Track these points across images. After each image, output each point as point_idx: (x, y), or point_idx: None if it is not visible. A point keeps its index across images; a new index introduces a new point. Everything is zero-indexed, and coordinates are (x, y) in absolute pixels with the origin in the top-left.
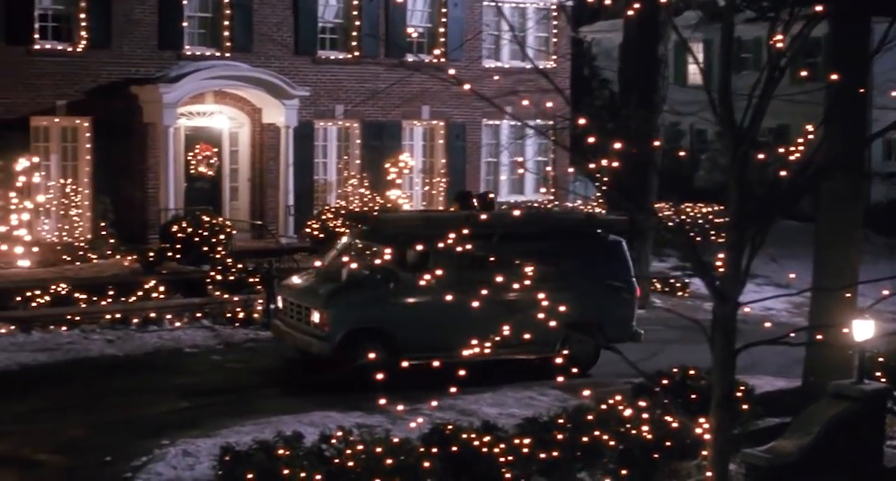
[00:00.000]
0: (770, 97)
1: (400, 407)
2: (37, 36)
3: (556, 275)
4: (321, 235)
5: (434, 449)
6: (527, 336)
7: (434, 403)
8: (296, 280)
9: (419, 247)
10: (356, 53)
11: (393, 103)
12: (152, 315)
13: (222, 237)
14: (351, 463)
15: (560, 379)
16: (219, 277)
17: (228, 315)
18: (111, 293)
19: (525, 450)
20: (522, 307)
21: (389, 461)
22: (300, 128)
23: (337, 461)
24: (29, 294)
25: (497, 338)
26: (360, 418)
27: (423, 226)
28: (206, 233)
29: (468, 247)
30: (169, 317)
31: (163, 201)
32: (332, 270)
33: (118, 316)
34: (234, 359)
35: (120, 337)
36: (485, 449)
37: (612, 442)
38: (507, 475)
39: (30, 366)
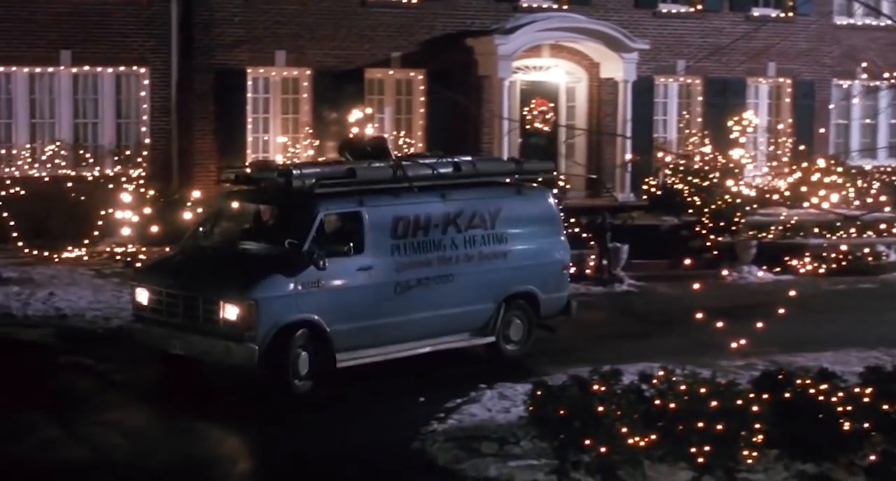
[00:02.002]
0: None
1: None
2: None
3: (491, 238)
4: (659, 193)
5: (765, 395)
6: (465, 317)
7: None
8: (166, 262)
9: (350, 211)
10: (699, 7)
11: (737, 59)
12: None
13: (555, 191)
14: (672, 405)
15: None
16: None
17: None
18: None
19: (866, 400)
20: (462, 282)
21: (714, 403)
22: (639, 84)
23: (658, 402)
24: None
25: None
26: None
27: (348, 181)
28: None
29: (404, 208)
30: None
31: (496, 155)
32: (227, 246)
33: None
34: None
35: None
36: (820, 398)
37: None
38: (845, 426)
39: None
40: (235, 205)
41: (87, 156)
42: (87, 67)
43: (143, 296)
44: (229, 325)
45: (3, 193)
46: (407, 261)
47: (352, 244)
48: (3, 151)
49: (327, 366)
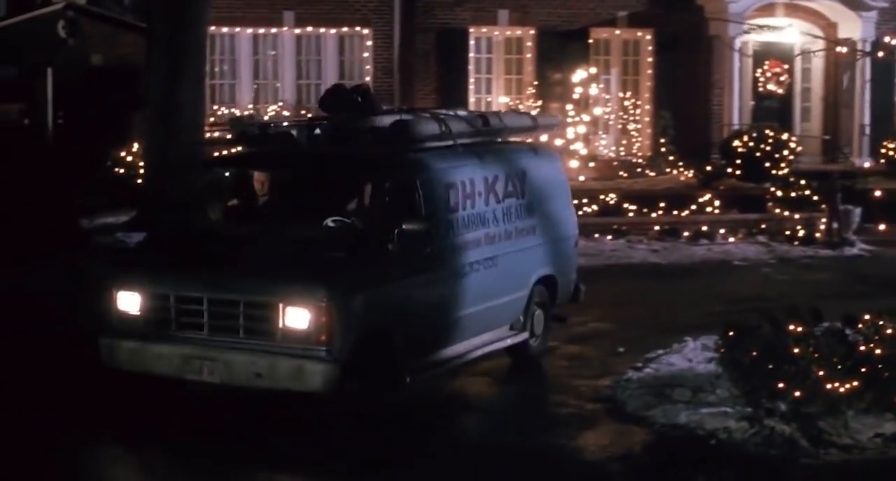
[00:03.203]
0: None
1: None
2: None
3: (523, 209)
4: None
5: None
6: (506, 309)
7: None
8: (165, 254)
9: (409, 178)
10: None
11: None
12: (704, 228)
13: (786, 153)
14: (878, 351)
15: None
16: (779, 194)
17: (787, 232)
18: (662, 206)
19: None
20: (504, 265)
21: None
22: (878, 44)
23: (862, 347)
24: (576, 203)
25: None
26: None
27: (405, 138)
28: (769, 149)
29: (454, 172)
30: (722, 231)
31: (726, 118)
32: (251, 227)
33: (667, 228)
34: (785, 272)
35: (666, 248)
36: None
37: None
38: None
39: None
40: (241, 172)
41: (310, 116)
42: (309, 28)
43: (131, 302)
44: (295, 338)
45: None
46: (460, 240)
47: (423, 224)
48: (227, 111)
49: (392, 382)
